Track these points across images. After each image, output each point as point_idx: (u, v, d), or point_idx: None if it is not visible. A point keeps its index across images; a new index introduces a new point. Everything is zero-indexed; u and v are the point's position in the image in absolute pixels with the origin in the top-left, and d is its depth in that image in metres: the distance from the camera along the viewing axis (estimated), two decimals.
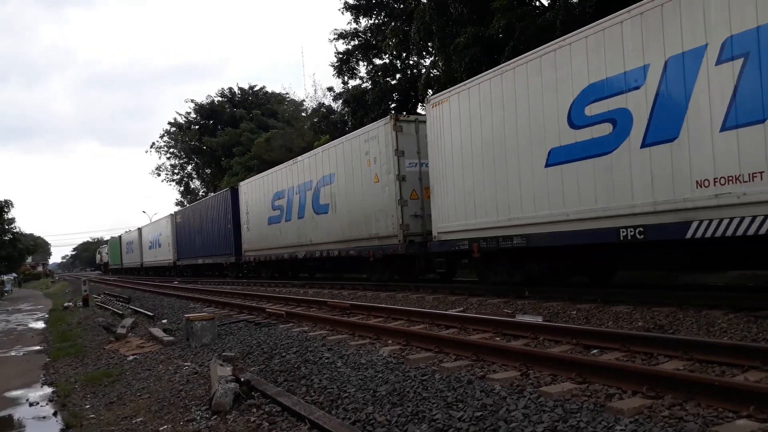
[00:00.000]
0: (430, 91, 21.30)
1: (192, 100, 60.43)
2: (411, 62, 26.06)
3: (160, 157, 74.16)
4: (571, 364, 4.96)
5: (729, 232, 6.93)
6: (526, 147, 9.87)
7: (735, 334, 6.09)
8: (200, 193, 58.09)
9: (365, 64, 27.96)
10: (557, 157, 9.30)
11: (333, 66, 28.19)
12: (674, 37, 7.60)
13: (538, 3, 18.26)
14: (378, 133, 14.60)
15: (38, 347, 12.15)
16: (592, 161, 8.71)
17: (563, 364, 5.02)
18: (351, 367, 5.88)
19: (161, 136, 64.16)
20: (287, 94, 55.87)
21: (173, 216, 36.53)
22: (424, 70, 23.16)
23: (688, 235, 7.37)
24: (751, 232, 6.68)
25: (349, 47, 27.76)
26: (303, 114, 45.55)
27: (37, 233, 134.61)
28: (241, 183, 25.46)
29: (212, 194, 33.45)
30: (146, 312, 14.31)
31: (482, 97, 10.82)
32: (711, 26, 7.22)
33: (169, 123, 63.01)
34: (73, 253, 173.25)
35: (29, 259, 78.92)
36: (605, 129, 8.50)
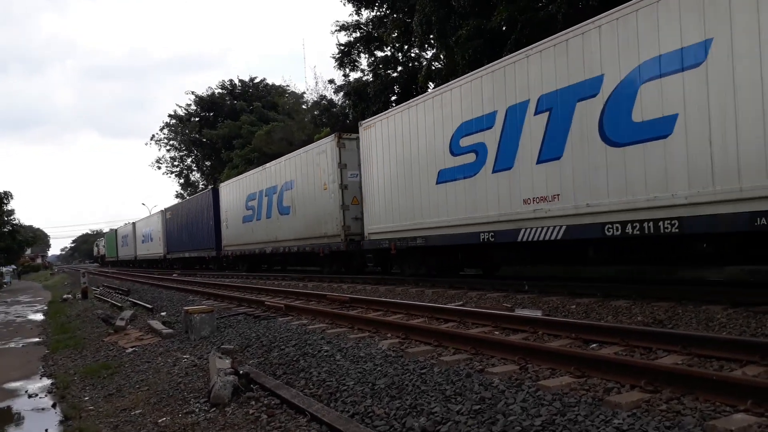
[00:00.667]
0: (431, 84, 21.25)
1: (192, 92, 60.38)
2: (412, 54, 25.98)
3: (159, 150, 74.06)
4: (570, 358, 4.97)
5: (541, 237, 9.77)
6: (424, 167, 12.73)
7: (734, 329, 6.10)
8: (200, 186, 58.05)
9: (366, 56, 27.88)
10: (443, 177, 12.17)
11: (334, 58, 28.13)
12: (511, 92, 10.38)
13: None
14: (326, 148, 17.22)
15: (37, 339, 12.16)
16: (463, 181, 11.59)
17: (562, 358, 5.02)
18: (350, 360, 5.89)
19: (161, 129, 64.08)
20: (287, 86, 55.76)
21: (164, 212, 38.37)
22: (425, 63, 23.07)
23: (519, 238, 10.21)
24: (552, 237, 9.54)
25: (351, 39, 27.67)
26: (304, 107, 45.45)
27: (36, 225, 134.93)
28: (221, 184, 27.94)
29: (197, 193, 35.78)
30: (145, 304, 14.32)
31: (397, 126, 13.68)
32: (531, 86, 9.92)
33: (169, 115, 62.92)
34: (73, 245, 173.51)
35: (28, 251, 78.96)
36: (471, 158, 11.34)
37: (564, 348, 5.53)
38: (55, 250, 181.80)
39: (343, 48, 27.84)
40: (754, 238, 7.30)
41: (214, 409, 5.11)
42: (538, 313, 7.75)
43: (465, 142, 11.48)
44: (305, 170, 18.71)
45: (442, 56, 19.82)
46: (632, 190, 8.30)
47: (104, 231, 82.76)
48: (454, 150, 11.82)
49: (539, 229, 9.80)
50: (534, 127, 9.86)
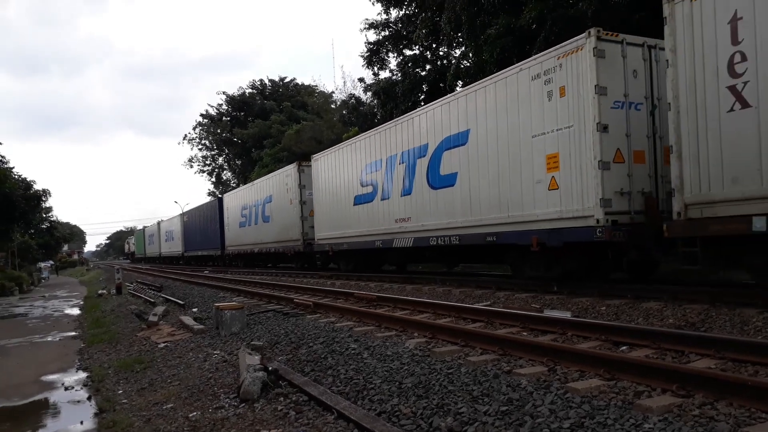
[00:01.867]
0: (460, 82, 21.12)
1: (224, 92, 61.20)
2: (441, 53, 25.87)
3: (192, 149, 75.26)
4: (599, 360, 4.91)
5: (402, 245, 14.88)
6: (346, 193, 18.09)
7: None
8: (232, 184, 58.82)
9: (395, 55, 27.87)
10: (357, 201, 17.45)
11: (363, 56, 28.18)
12: (389, 147, 15.48)
13: None
14: (291, 173, 22.86)
15: (73, 333, 12.50)
16: (366, 205, 16.86)
17: (591, 360, 4.96)
18: (377, 358, 5.91)
19: (194, 128, 65.12)
20: (316, 86, 56.08)
21: (182, 215, 44.57)
22: (453, 61, 22.97)
23: (393, 245, 15.33)
24: (407, 245, 14.60)
25: (380, 38, 27.69)
26: (332, 106, 45.67)
27: (73, 222, 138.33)
28: (225, 195, 34.00)
29: (208, 201, 40.44)
30: (177, 300, 14.59)
31: (333, 161, 19.14)
32: (398, 145, 14.96)
33: (201, 115, 63.93)
34: (107, 241, 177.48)
35: (65, 247, 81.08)
36: (370, 189, 16.63)
37: (593, 350, 5.46)
38: (90, 246, 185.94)
39: (371, 47, 27.87)
40: (487, 248, 12.29)
41: (244, 404, 5.19)
42: (567, 315, 7.66)
43: (366, 178, 16.88)
44: (278, 188, 24.12)
45: (470, 54, 19.68)
46: (440, 217, 13.22)
47: (137, 228, 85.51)
48: (362, 182, 17.14)
49: (402, 240, 14.98)
50: (400, 172, 14.97)
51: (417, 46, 26.06)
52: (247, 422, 4.74)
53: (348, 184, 17.92)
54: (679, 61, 7.81)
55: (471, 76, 18.79)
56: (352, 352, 6.34)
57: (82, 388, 7.17)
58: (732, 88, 7.20)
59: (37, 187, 43.59)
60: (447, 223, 12.89)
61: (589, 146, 9.26)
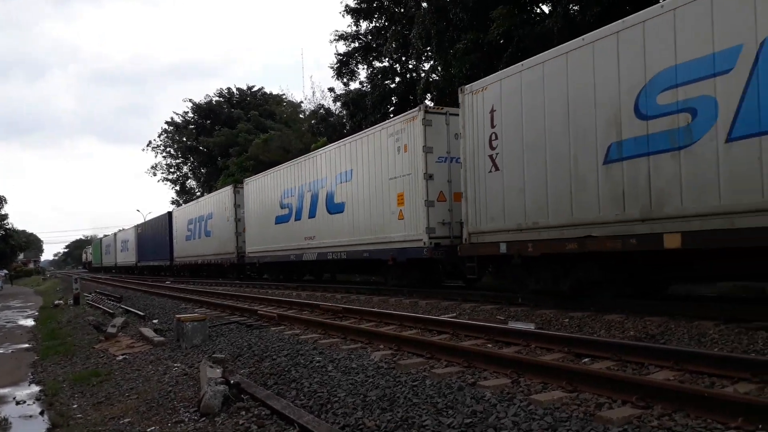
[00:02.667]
0: (428, 95, 21.32)
1: (190, 100, 60.35)
2: (410, 66, 26.08)
3: (156, 156, 73.78)
4: (562, 372, 4.96)
5: (309, 258, 18.00)
6: (270, 213, 21.16)
7: (726, 345, 6.10)
8: (196, 193, 57.94)
9: (365, 66, 27.97)
10: (277, 220, 20.48)
11: (332, 68, 28.20)
12: (303, 177, 18.64)
13: (538, 10, 18.32)
14: (228, 193, 26.09)
15: (27, 345, 12.06)
16: (284, 224, 19.85)
17: (554, 372, 5.01)
18: (342, 371, 5.86)
19: (158, 135, 64.01)
20: (284, 95, 55.84)
21: (136, 227, 46.92)
22: (423, 75, 23.18)
23: (302, 259, 18.42)
24: (312, 259, 17.77)
25: (350, 49, 27.76)
26: (301, 116, 45.51)
27: (30, 230, 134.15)
28: (174, 210, 37.11)
29: (158, 214, 42.54)
30: (137, 311, 14.24)
31: (260, 185, 22.46)
32: (306, 177, 18.42)
33: (167, 122, 62.87)
34: (66, 250, 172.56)
35: (21, 256, 78.47)
36: (287, 210, 19.75)
37: (556, 362, 5.52)
38: (48, 255, 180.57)
39: (341, 58, 27.93)
40: (365, 262, 15.49)
41: (204, 418, 5.07)
42: (531, 326, 7.74)
43: (285, 201, 20.01)
44: (218, 206, 27.18)
45: (439, 68, 19.91)
46: (335, 236, 16.45)
47: (97, 237, 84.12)
48: (281, 205, 20.28)
49: (309, 254, 17.98)
50: (308, 199, 18.21)
51: (387, 59, 26.22)
52: None
53: (271, 205, 21.16)
54: (466, 134, 10.96)
55: (440, 90, 19.01)
56: (317, 364, 6.27)
57: (34, 403, 6.91)
58: (490, 157, 10.35)
59: None
60: (338, 241, 16.28)
61: (420, 189, 12.76)
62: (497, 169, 10.18)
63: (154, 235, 39.30)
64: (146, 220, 46.11)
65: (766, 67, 6.48)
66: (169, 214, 36.28)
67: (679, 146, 7.29)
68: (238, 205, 24.59)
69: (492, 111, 10.30)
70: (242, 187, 24.23)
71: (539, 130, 9.36)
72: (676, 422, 3.80)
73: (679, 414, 3.92)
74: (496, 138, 10.21)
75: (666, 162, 7.43)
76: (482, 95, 10.60)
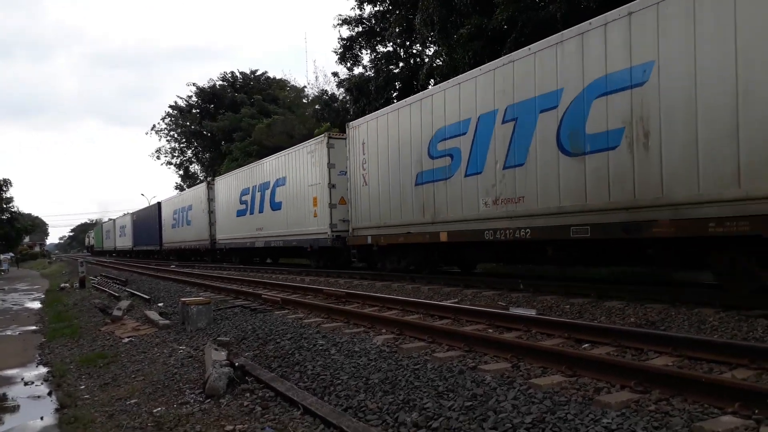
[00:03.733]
0: (432, 81, 21.23)
1: (194, 84, 60.14)
2: (414, 51, 25.92)
3: (160, 140, 73.80)
4: (562, 357, 5.02)
5: (260, 245, 22.87)
6: (233, 207, 25.48)
7: (725, 332, 6.15)
8: (199, 177, 57.99)
9: (368, 51, 27.81)
10: (238, 213, 24.69)
11: (336, 52, 28.05)
12: (255, 178, 23.46)
13: None
14: (203, 188, 30.13)
15: (34, 327, 12.20)
16: (243, 217, 24.30)
17: (554, 357, 5.07)
18: (344, 354, 5.94)
19: (162, 119, 63.89)
20: (288, 81, 55.57)
21: (132, 215, 50.71)
22: (427, 60, 23.05)
23: (255, 246, 23.18)
24: (262, 246, 22.68)
25: (353, 33, 27.59)
26: (304, 101, 45.35)
27: (35, 213, 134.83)
28: (162, 200, 40.46)
29: (149, 204, 47.59)
30: (142, 295, 14.35)
31: (227, 183, 26.82)
32: (259, 178, 23.16)
33: (170, 106, 62.73)
34: (71, 234, 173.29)
35: (26, 239, 78.92)
36: (245, 206, 24.14)
37: (556, 347, 5.58)
38: (53, 238, 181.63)
39: (345, 42, 27.77)
40: (295, 249, 19.94)
41: (209, 400, 5.16)
42: (532, 312, 7.80)
43: (243, 198, 24.50)
44: (196, 199, 31.34)
45: (443, 54, 19.80)
46: (276, 228, 20.73)
47: (104, 220, 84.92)
48: (241, 201, 24.63)
49: (260, 242, 22.30)
50: (258, 197, 22.74)
51: (390, 43, 26.07)
52: (212, 418, 4.72)
53: (234, 201, 25.46)
54: (350, 157, 15.64)
55: (444, 75, 18.91)
56: (320, 348, 6.35)
57: (42, 384, 7.02)
58: (363, 175, 14.94)
59: None
60: (278, 232, 20.76)
61: (326, 195, 17.40)
62: (366, 184, 14.90)
63: (147, 222, 43.20)
64: (140, 209, 49.74)
65: (480, 133, 10.93)
66: (159, 204, 40.29)
67: (446, 178, 11.86)
68: (211, 199, 28.71)
69: (363, 143, 14.98)
70: (214, 184, 28.83)
71: (386, 160, 13.98)
72: (673, 407, 3.86)
73: (677, 399, 3.98)
74: (366, 162, 14.92)
75: (441, 187, 12.05)
76: (358, 131, 15.27)
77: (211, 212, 28.56)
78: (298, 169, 19.32)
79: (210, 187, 28.83)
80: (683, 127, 7.38)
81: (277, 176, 21.04)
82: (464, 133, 11.20)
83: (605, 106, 8.44)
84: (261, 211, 22.49)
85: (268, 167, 22.00)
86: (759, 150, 6.63)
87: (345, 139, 16.07)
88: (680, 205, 7.40)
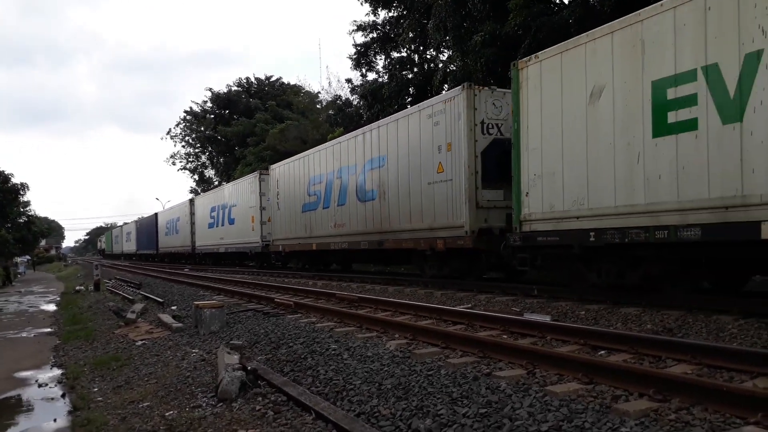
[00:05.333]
0: (446, 86, 21.18)
1: (209, 89, 60.64)
2: (428, 56, 25.90)
3: (175, 145, 74.41)
4: (578, 364, 4.94)
5: (223, 251, 30.21)
6: (206, 221, 32.19)
7: (745, 340, 6.03)
8: (214, 182, 58.36)
9: (382, 57, 27.82)
10: (209, 226, 31.65)
11: (351, 58, 28.11)
12: (219, 199, 30.89)
13: (557, 0, 18.08)
14: (187, 204, 36.13)
15: (49, 329, 12.30)
16: (212, 229, 31.14)
17: (570, 364, 4.99)
18: (357, 359, 5.89)
19: (177, 124, 64.47)
20: (302, 87, 55.80)
21: (136, 222, 58.10)
22: (441, 65, 23.00)
23: (218, 251, 30.58)
24: (221, 251, 30.46)
25: (368, 39, 27.64)
26: (318, 106, 45.49)
27: (51, 216, 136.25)
28: (158, 212, 47.25)
29: (148, 215, 53.38)
30: (156, 298, 14.43)
31: (202, 202, 34.24)
32: (221, 199, 30.36)
33: (185, 111, 63.28)
34: (86, 237, 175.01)
35: (43, 242, 79.93)
36: (213, 220, 31.09)
37: (572, 354, 5.50)
38: (69, 242, 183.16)
39: (359, 48, 27.82)
40: (238, 254, 28.21)
41: (221, 404, 5.14)
42: (546, 318, 7.71)
43: (212, 215, 30.54)
44: (182, 213, 37.29)
45: (457, 60, 19.75)
46: (230, 238, 27.83)
47: (118, 224, 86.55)
48: (210, 217, 30.77)
49: (221, 248, 29.02)
50: (220, 214, 29.22)
51: (404, 49, 26.06)
52: (224, 422, 4.69)
53: (206, 216, 31.99)
54: (271, 189, 22.82)
55: (457, 81, 18.85)
56: (333, 352, 6.31)
57: (56, 385, 7.06)
58: (277, 203, 22.08)
59: (15, 180, 42.88)
60: (233, 241, 27.57)
61: (259, 215, 24.25)
62: (279, 209, 21.89)
63: (147, 229, 49.59)
64: (143, 217, 56.18)
65: (328, 183, 17.72)
66: (156, 214, 47.91)
67: (315, 209, 18.58)
68: (192, 213, 35.02)
69: (277, 180, 22.19)
70: (194, 201, 35.78)
71: (289, 193, 20.95)
72: (693, 416, 3.77)
73: (697, 408, 3.89)
74: (279, 194, 21.97)
75: (313, 214, 18.79)
76: (276, 171, 22.54)
77: (192, 224, 34.90)
78: (243, 195, 26.38)
79: (192, 203, 35.62)
80: (397, 190, 14.11)
81: (232, 199, 28.00)
82: (321, 182, 18.41)
83: (371, 176, 15.32)
84: (222, 225, 29.24)
85: (227, 192, 29.23)
86: (428, 204, 13.03)
87: (269, 175, 23.38)
88: (397, 231, 14.21)
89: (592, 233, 8.40)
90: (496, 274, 13.02)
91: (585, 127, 8.59)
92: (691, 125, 7.16)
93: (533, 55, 9.79)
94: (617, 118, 8.11)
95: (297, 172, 20.25)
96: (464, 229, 11.56)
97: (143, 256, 53.31)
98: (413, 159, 13.16)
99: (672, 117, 7.39)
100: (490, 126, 11.72)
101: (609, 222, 8.20)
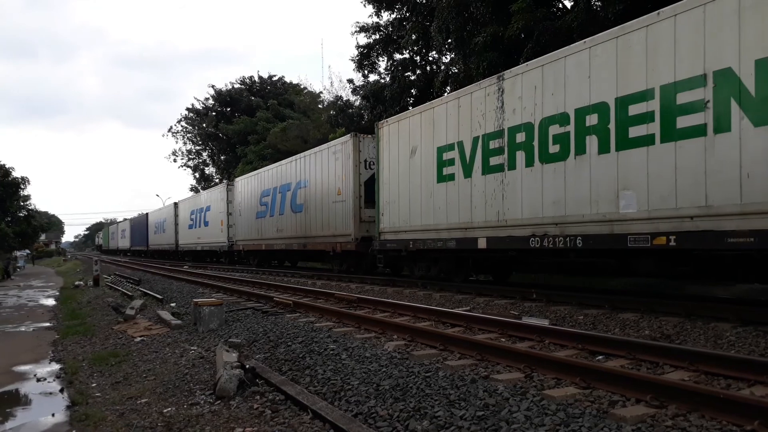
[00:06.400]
0: (448, 88, 21.20)
1: (212, 86, 60.64)
2: (431, 58, 25.91)
3: (176, 142, 74.49)
4: (576, 368, 4.95)
5: (200, 249, 34.38)
6: (186, 222, 36.34)
7: (742, 347, 6.04)
8: (215, 180, 58.38)
9: (385, 58, 27.82)
10: (189, 227, 35.58)
11: (353, 60, 28.09)
12: (194, 205, 35.58)
13: (560, 5, 18.09)
14: (171, 209, 40.43)
15: (48, 324, 12.31)
16: (192, 230, 34.79)
17: (568, 369, 5.00)
18: (355, 359, 5.91)
19: (178, 121, 64.48)
20: (304, 87, 55.79)
21: (130, 220, 62.14)
22: (443, 68, 23.01)
23: (197, 249, 34.99)
24: (198, 249, 34.31)
25: (370, 41, 27.65)
26: (320, 106, 45.50)
27: (51, 211, 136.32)
28: (149, 212, 50.72)
29: (140, 213, 57.55)
30: (155, 295, 14.44)
31: (187, 203, 37.33)
32: (189, 209, 36.59)
33: (187, 108, 63.28)
34: (86, 232, 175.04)
35: (43, 237, 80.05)
36: (192, 222, 34.94)
37: (570, 358, 5.51)
38: (69, 237, 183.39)
39: (362, 50, 27.84)
40: (211, 252, 32.30)
41: (219, 401, 5.15)
42: (545, 322, 7.72)
43: (191, 216, 34.56)
44: (168, 214, 41.03)
45: (460, 62, 19.76)
46: (204, 239, 32.00)
47: (118, 220, 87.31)
48: (190, 219, 34.84)
49: (199, 246, 33.40)
50: (198, 218, 33.33)
51: (407, 51, 26.07)
52: (222, 419, 4.71)
53: (187, 218, 35.74)
54: (235, 198, 27.26)
55: (460, 83, 18.87)
56: (331, 352, 6.33)
57: (54, 380, 7.07)
58: (239, 210, 26.47)
59: (16, 174, 42.90)
60: (207, 241, 31.33)
61: (226, 219, 28.01)
62: (240, 215, 25.94)
63: (139, 227, 54.00)
64: (136, 216, 60.11)
65: (273, 196, 22.43)
66: (146, 214, 51.41)
67: (264, 216, 23.06)
68: (176, 215, 38.79)
69: (239, 191, 26.33)
70: (178, 205, 38.84)
71: (248, 202, 24.93)
72: (690, 423, 3.79)
73: (694, 415, 3.90)
74: (240, 203, 26.07)
75: (264, 221, 23.08)
76: (239, 183, 26.72)
77: (176, 224, 38.68)
78: (215, 201, 30.16)
79: (176, 206, 39.37)
80: (315, 205, 18.32)
81: (207, 204, 31.73)
82: (269, 195, 22.58)
83: (300, 193, 19.48)
84: (199, 226, 32.94)
85: (203, 198, 33.52)
86: (332, 217, 17.28)
87: (235, 185, 27.34)
88: (315, 237, 18.46)
89: (411, 242, 12.97)
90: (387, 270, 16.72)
91: (408, 172, 13.05)
92: (452, 177, 11.60)
93: (386, 120, 14.62)
94: (422, 169, 12.51)
95: (253, 185, 24.61)
96: (352, 237, 16.01)
97: (136, 252, 57.60)
98: (323, 184, 17.91)
99: (444, 171, 11.84)
100: (372, 163, 15.63)
101: (419, 235, 12.71)
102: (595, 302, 8.92)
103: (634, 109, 7.92)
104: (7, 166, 43.33)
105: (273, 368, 6.00)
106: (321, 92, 47.81)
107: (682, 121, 7.29)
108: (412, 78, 26.05)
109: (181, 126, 63.68)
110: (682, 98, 7.30)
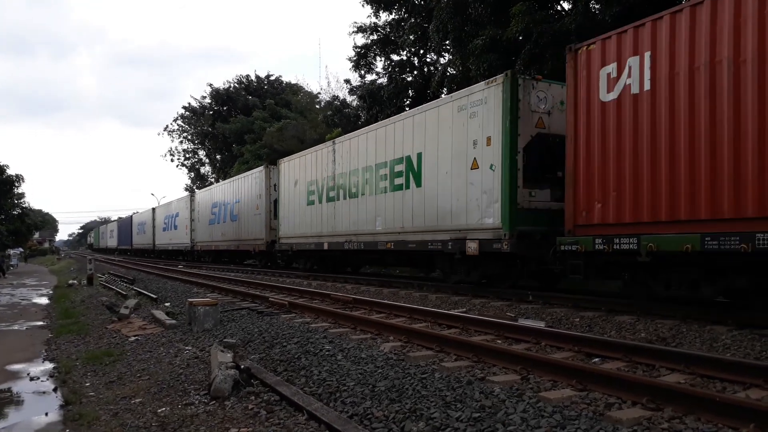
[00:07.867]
0: (445, 89, 21.20)
1: (210, 85, 60.57)
2: (428, 59, 25.91)
3: (173, 141, 74.37)
4: (572, 370, 4.95)
5: (164, 248, 42.66)
6: (161, 226, 42.27)
7: (738, 351, 6.05)
8: (210, 179, 58.29)
9: (382, 59, 27.81)
10: (163, 229, 41.80)
11: (350, 60, 28.08)
12: (176, 209, 39.40)
13: (559, 8, 18.11)
14: (150, 212, 46.66)
15: (41, 323, 12.24)
16: (165, 232, 40.98)
17: (564, 371, 5.00)
18: (351, 360, 5.89)
19: (175, 120, 64.34)
20: (301, 87, 55.75)
21: (118, 221, 67.83)
22: (440, 68, 23.00)
23: (155, 249, 45.93)
24: (150, 248, 47.18)
25: (368, 41, 27.63)
26: (317, 106, 45.46)
27: (45, 209, 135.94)
28: (133, 215, 55.76)
29: (127, 215, 62.05)
30: (150, 294, 14.38)
31: (159, 211, 44.04)
32: (172, 210, 40.49)
33: (184, 107, 63.16)
34: (80, 231, 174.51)
35: (36, 235, 79.83)
36: (166, 225, 41.07)
37: (566, 360, 5.51)
38: (63, 235, 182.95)
39: (359, 50, 27.82)
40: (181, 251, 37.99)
41: (214, 402, 5.12)
42: (541, 324, 7.72)
43: (165, 221, 40.74)
44: (147, 217, 46.11)
45: (457, 63, 19.76)
46: (175, 240, 37.76)
47: (113, 218, 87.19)
48: (164, 223, 41.02)
49: (170, 246, 39.07)
50: (170, 222, 39.34)
51: (405, 52, 26.06)
52: (216, 420, 4.68)
53: (162, 222, 40.49)
54: (196, 207, 32.94)
55: (458, 84, 18.88)
56: (327, 353, 6.30)
57: (48, 379, 7.01)
58: (198, 217, 32.51)
59: (11, 172, 42.73)
60: (176, 242, 36.78)
61: (189, 224, 33.91)
62: (199, 221, 31.70)
63: (125, 228, 58.99)
64: (123, 217, 64.47)
65: (220, 208, 28.63)
66: (131, 215, 57.13)
67: (214, 223, 29.18)
68: (154, 219, 43.90)
69: (199, 202, 32.08)
70: (155, 209, 44.79)
71: (204, 210, 30.88)
72: (686, 425, 3.79)
73: (690, 417, 3.90)
74: (198, 211, 31.88)
75: (214, 227, 29.40)
76: (200, 195, 32.78)
77: (154, 227, 43.58)
78: (182, 209, 34.96)
79: (153, 211, 44.16)
80: (244, 217, 24.93)
81: (177, 211, 36.79)
82: (217, 206, 28.04)
83: (236, 207, 25.79)
84: (171, 229, 38.18)
85: (174, 205, 38.27)
86: (256, 225, 23.64)
87: (211, 190, 31.25)
88: (244, 240, 24.85)
89: (294, 245, 19.59)
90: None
91: (293, 197, 19.74)
92: (313, 202, 18.21)
93: (282, 159, 21.62)
94: (299, 195, 19.15)
95: (208, 198, 30.60)
96: (263, 241, 22.51)
97: (122, 251, 63.25)
98: (249, 201, 24.17)
99: (310, 197, 18.42)
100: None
101: (298, 240, 19.24)
102: (592, 305, 8.93)
103: (381, 171, 14.27)
104: (1, 164, 43.21)
105: (268, 369, 5.97)
106: (318, 92, 47.84)
107: (398, 181, 13.57)
108: (409, 79, 26.05)
109: (177, 125, 63.59)
110: (397, 168, 13.59)
